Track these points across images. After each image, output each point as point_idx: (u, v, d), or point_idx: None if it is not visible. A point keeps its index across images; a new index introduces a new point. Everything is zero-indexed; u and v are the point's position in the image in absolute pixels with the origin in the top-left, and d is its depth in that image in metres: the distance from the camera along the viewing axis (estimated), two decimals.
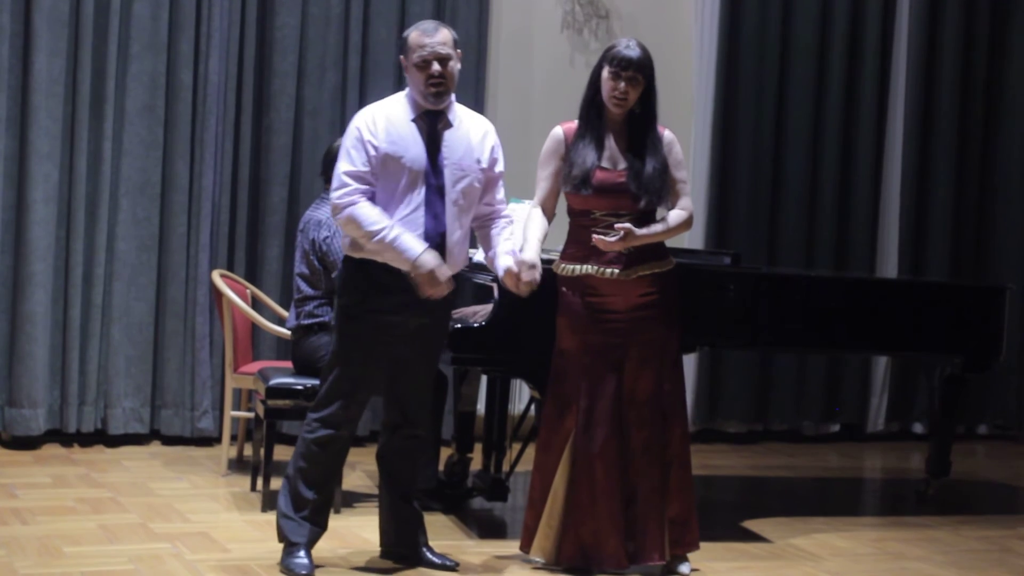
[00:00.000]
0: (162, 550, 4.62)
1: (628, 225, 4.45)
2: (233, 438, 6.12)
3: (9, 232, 6.31)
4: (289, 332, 5.60)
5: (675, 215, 4.61)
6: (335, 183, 4.36)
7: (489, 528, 5.40)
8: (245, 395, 6.21)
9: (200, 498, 5.49)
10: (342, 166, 4.35)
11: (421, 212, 4.35)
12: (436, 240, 4.35)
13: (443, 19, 6.97)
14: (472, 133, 4.49)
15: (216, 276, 5.95)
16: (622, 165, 4.53)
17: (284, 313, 6.19)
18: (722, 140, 7.54)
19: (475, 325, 4.87)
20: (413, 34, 4.38)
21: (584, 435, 4.53)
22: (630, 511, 4.56)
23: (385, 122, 4.37)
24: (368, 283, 4.37)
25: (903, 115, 7.88)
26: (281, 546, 4.46)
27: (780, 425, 7.79)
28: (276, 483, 5.46)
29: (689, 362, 7.37)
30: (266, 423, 5.33)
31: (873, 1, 7.78)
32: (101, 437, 6.48)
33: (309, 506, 4.44)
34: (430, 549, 4.59)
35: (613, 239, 4.45)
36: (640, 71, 4.49)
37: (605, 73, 4.53)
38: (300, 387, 5.27)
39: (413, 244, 4.28)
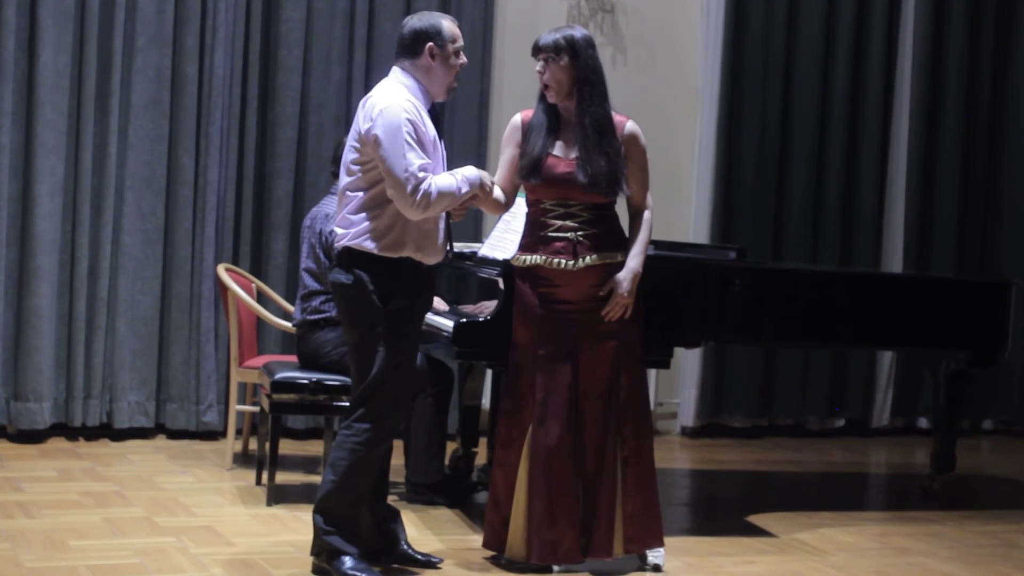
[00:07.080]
0: (167, 544, 4.63)
1: (621, 290, 4.45)
2: (238, 432, 6.13)
3: (15, 226, 6.31)
4: (294, 327, 5.60)
5: (643, 233, 4.54)
6: (416, 178, 4.12)
7: None
8: (250, 389, 6.22)
9: (205, 492, 5.50)
10: (413, 160, 4.12)
11: None
12: (445, 221, 4.39)
13: (448, 13, 6.94)
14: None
15: (221, 270, 5.95)
16: (573, 155, 4.47)
17: (289, 307, 6.20)
18: (727, 135, 7.52)
19: (480, 320, 4.87)
20: (446, 23, 4.27)
21: (540, 428, 4.48)
22: (585, 505, 4.50)
23: (421, 113, 4.24)
24: (410, 282, 4.27)
25: (908, 110, 7.86)
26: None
27: (785, 420, 7.78)
28: (281, 477, 5.50)
29: (694, 357, 7.36)
30: (271, 417, 5.33)
31: None
32: (106, 431, 6.49)
33: (355, 516, 4.26)
34: (411, 546, 4.48)
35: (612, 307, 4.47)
36: (551, 51, 4.44)
37: None
38: (305, 381, 5.27)
39: (469, 171, 4.33)
